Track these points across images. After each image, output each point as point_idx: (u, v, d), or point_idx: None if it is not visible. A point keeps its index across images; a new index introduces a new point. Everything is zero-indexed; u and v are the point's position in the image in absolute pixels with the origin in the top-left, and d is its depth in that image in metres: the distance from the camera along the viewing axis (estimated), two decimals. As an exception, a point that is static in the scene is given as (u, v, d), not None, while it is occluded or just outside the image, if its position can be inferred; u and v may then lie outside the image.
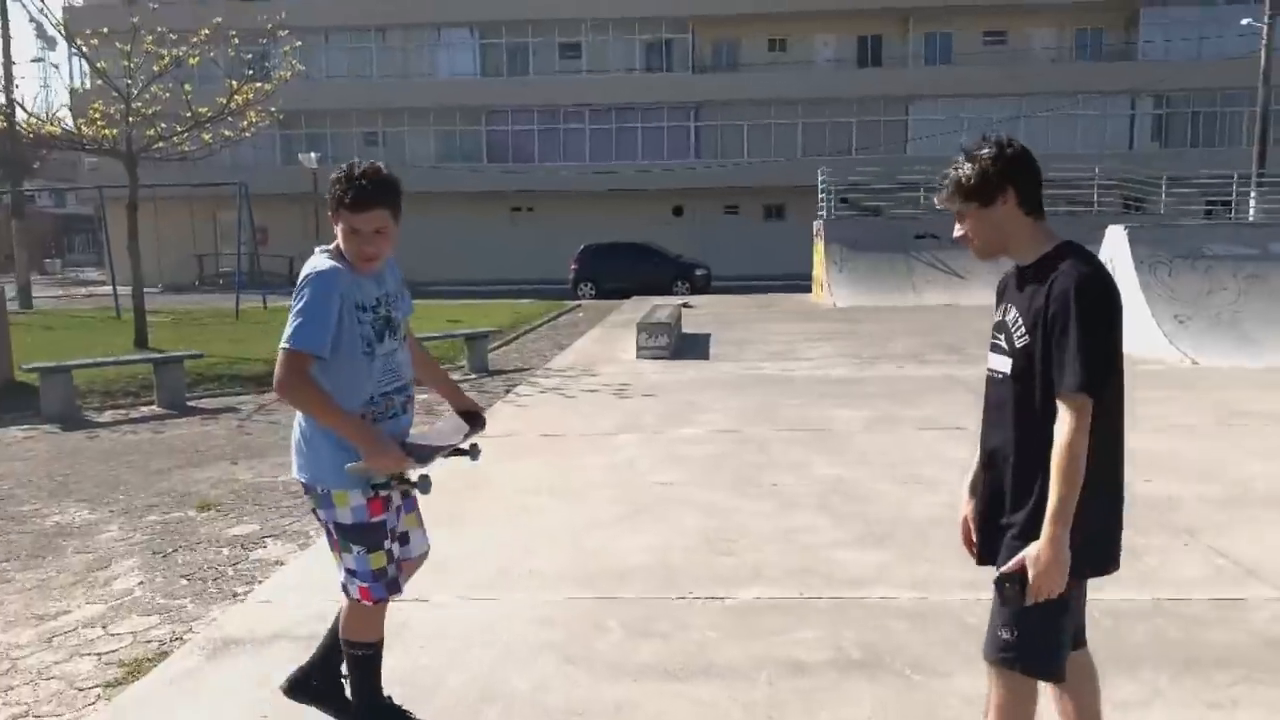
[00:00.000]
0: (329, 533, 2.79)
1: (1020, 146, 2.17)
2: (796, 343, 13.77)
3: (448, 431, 2.97)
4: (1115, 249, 12.27)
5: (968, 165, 2.16)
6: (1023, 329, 2.12)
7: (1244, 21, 25.97)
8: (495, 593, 4.29)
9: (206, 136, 14.35)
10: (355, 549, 2.73)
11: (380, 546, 2.75)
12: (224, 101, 13.46)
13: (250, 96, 13.55)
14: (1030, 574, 2.06)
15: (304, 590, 4.39)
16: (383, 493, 2.71)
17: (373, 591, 2.78)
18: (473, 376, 11.85)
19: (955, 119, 34.64)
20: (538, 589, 4.33)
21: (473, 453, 2.90)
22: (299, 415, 2.71)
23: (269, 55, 14.30)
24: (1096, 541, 2.11)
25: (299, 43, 14.43)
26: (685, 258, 29.15)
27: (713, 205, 36.04)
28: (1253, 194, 23.44)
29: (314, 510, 2.80)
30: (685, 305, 19.21)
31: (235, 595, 4.58)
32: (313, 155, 20.88)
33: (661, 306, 16.03)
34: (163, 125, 13.62)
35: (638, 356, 12.30)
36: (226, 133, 14.23)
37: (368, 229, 2.63)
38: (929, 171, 23.92)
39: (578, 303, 24.49)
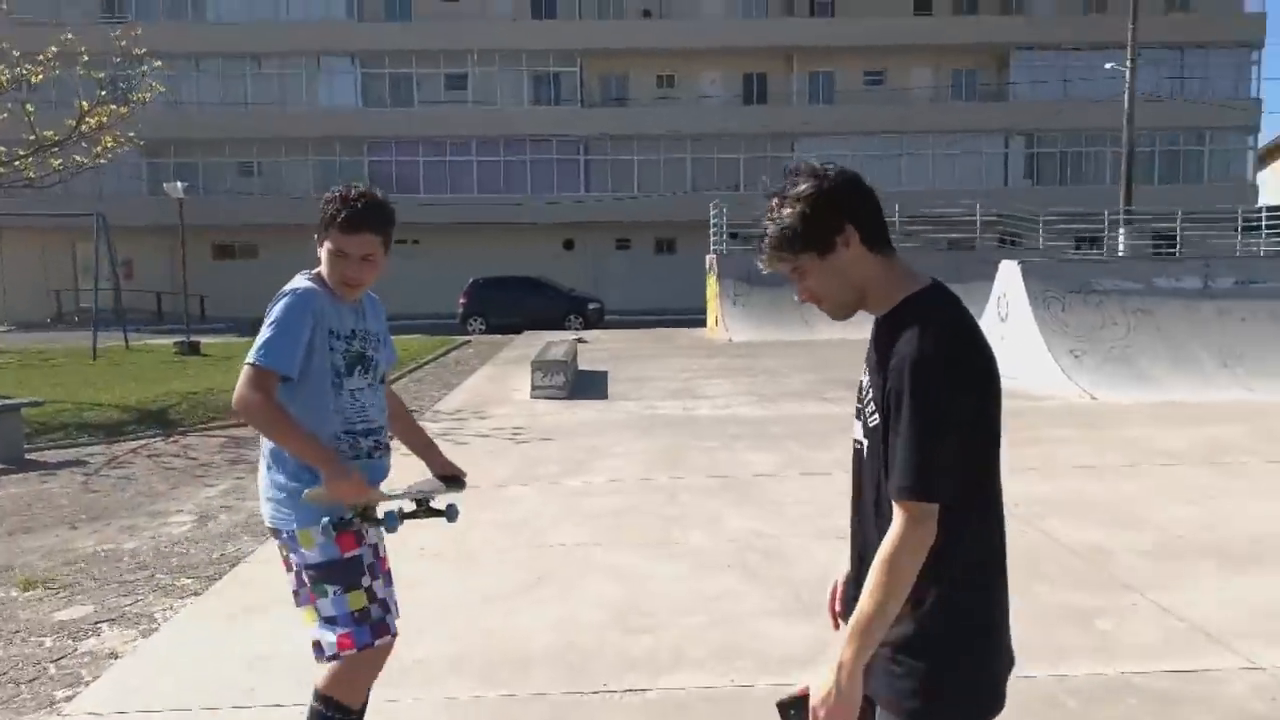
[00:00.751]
0: (301, 582, 2.57)
1: (842, 171, 1.72)
2: (696, 380, 13.39)
3: (422, 486, 2.73)
4: (1009, 284, 12.33)
5: (786, 210, 1.70)
6: (873, 405, 1.68)
7: (1107, 66, 27.23)
8: (373, 693, 3.63)
9: (55, 162, 13.14)
10: (330, 590, 2.52)
11: (358, 585, 2.53)
12: (73, 124, 12.31)
13: (105, 120, 12.43)
14: (812, 702, 1.62)
15: (145, 693, 3.63)
16: (348, 530, 2.50)
17: (355, 638, 2.53)
18: (354, 421, 11.02)
19: (839, 156, 35.27)
20: (425, 684, 3.68)
21: (449, 514, 2.68)
22: (263, 457, 2.55)
23: (128, 77, 13.09)
24: (970, 690, 1.64)
25: (158, 63, 13.35)
26: (577, 291, 28.67)
27: (604, 239, 35.74)
28: (1121, 230, 24.44)
29: (285, 559, 2.60)
30: (580, 340, 18.69)
31: (53, 703, 3.78)
32: (179, 184, 19.54)
33: (556, 342, 15.46)
34: (2, 150, 12.38)
35: (533, 396, 11.68)
36: (79, 159, 13.04)
37: (356, 253, 2.54)
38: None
39: (467, 338, 23.67)
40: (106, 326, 19.75)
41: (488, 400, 11.89)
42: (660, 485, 7.03)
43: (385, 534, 2.61)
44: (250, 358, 2.43)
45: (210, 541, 6.17)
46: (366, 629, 2.54)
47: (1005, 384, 1.71)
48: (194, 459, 8.99)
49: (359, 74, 36.00)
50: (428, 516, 2.65)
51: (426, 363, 17.75)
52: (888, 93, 36.53)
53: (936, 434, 1.54)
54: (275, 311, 2.48)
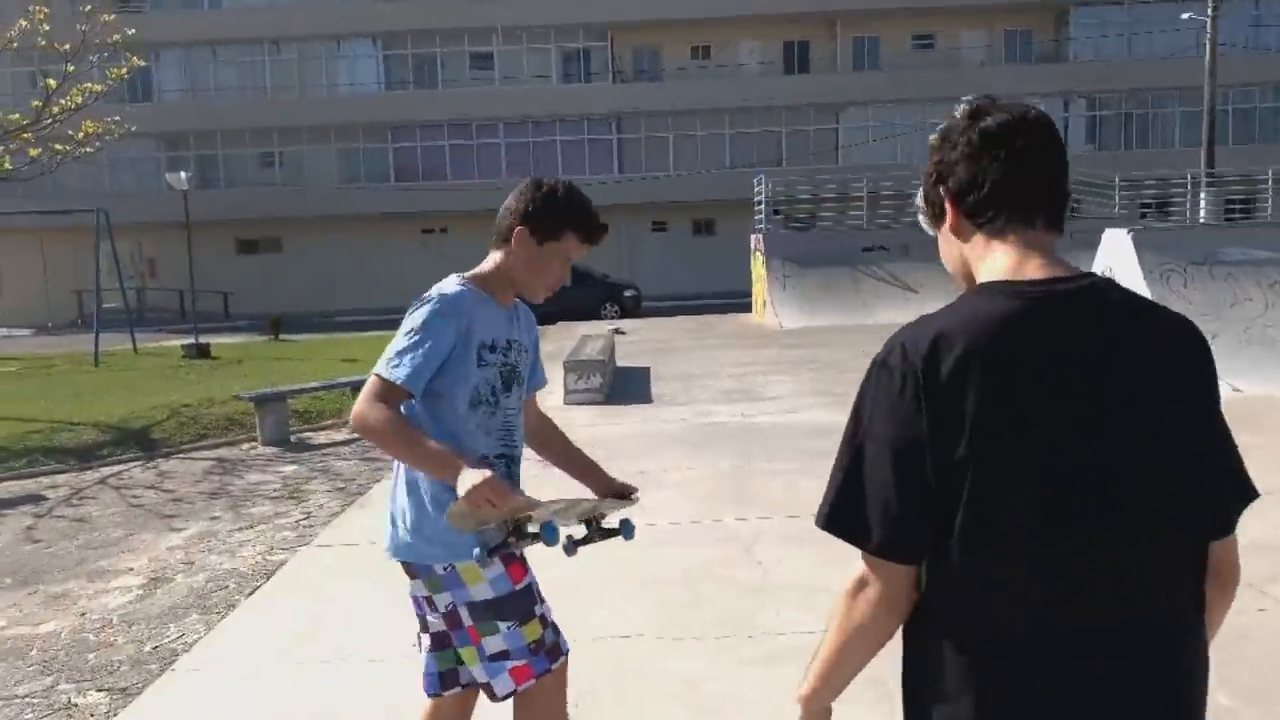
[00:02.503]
0: (456, 623, 2.26)
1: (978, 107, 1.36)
2: (751, 376, 11.80)
3: (579, 501, 2.34)
4: (1117, 256, 10.58)
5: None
6: None
7: (1184, 16, 25.07)
8: None
9: (34, 151, 11.83)
10: (505, 625, 2.25)
11: (532, 614, 2.29)
12: (39, 105, 10.93)
13: (80, 100, 11.04)
14: None
15: None
16: (503, 552, 2.19)
17: (534, 667, 2.28)
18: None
19: (887, 125, 33.38)
20: None
21: (625, 531, 2.41)
22: (398, 483, 2.29)
23: (106, 56, 11.61)
24: None
25: (131, 30, 11.89)
26: (612, 278, 27.07)
27: (639, 221, 34.07)
28: (1203, 194, 22.40)
29: (423, 599, 2.31)
30: (617, 332, 17.14)
31: None
32: (182, 175, 18.29)
33: (591, 336, 13.93)
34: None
35: (565, 402, 10.16)
36: (59, 146, 11.71)
37: (575, 258, 2.41)
38: (872, 180, 22.67)
39: (497, 331, 22.17)
40: (122, 327, 18.57)
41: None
42: (730, 531, 5.47)
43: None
44: (378, 368, 2.18)
45: (149, 623, 4.73)
46: (543, 656, 2.31)
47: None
48: (168, 491, 7.59)
49: (380, 56, 34.56)
50: (602, 538, 2.40)
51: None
52: (938, 56, 34.40)
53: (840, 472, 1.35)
54: (416, 318, 2.22)
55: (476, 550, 2.15)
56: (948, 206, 1.37)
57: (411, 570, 2.30)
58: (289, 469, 8.26)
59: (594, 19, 33.73)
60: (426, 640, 2.40)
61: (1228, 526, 1.30)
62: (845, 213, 24.07)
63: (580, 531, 2.37)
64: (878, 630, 1.31)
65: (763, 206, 21.09)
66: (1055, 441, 1.19)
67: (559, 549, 2.22)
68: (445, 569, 2.23)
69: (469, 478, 2.01)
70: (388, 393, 2.14)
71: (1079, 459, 1.19)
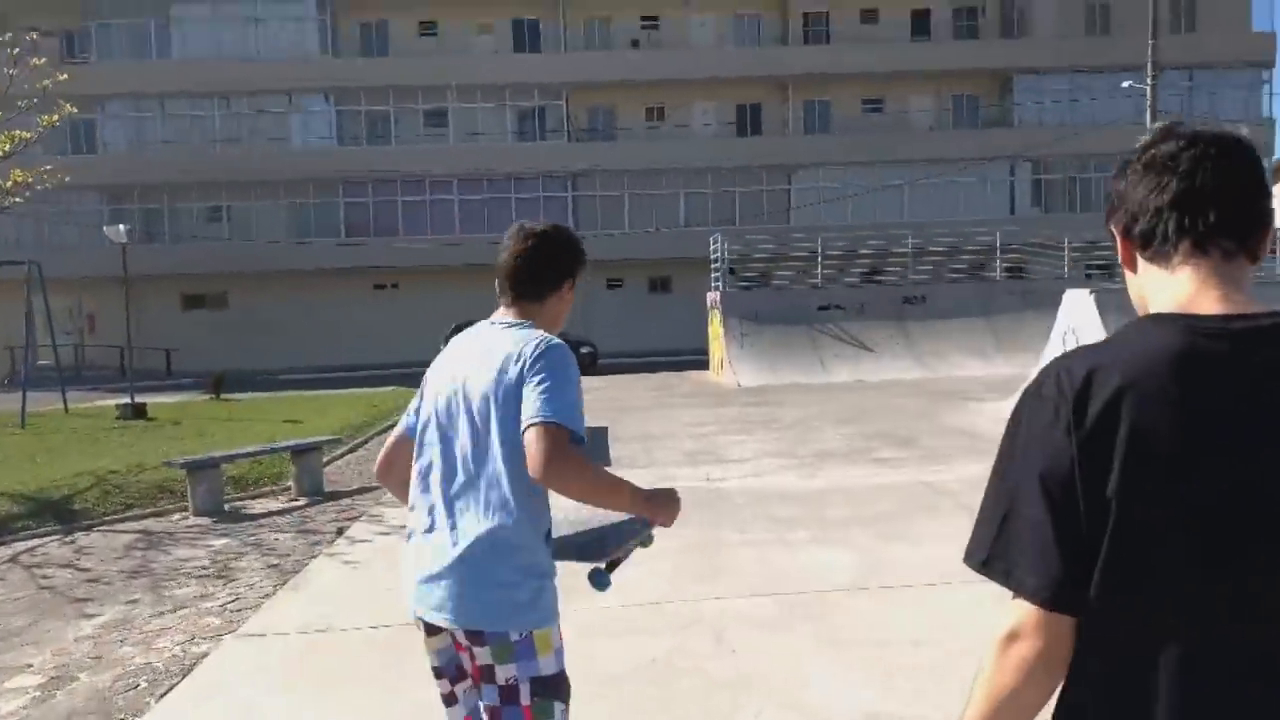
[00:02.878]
0: (511, 698, 2.10)
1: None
2: (713, 436, 11.45)
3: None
4: (1079, 316, 10.47)
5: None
6: None
7: (1124, 84, 25.73)
8: None
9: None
10: (559, 709, 2.14)
11: (569, 694, 2.20)
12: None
13: (7, 149, 10.49)
14: None
15: None
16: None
17: None
18: (301, 503, 9.00)
19: (840, 186, 33.73)
20: None
21: (599, 581, 2.25)
22: (473, 538, 2.10)
23: (36, 99, 11.03)
24: None
25: (64, 76, 11.37)
26: (569, 335, 26.73)
27: (595, 279, 33.85)
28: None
29: (477, 670, 2.13)
30: (572, 391, 16.72)
31: None
32: (121, 228, 17.65)
33: (546, 397, 13.48)
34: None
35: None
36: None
37: None
38: (828, 240, 22.75)
39: (449, 390, 21.60)
40: (52, 386, 17.72)
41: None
42: (698, 614, 5.04)
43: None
44: (544, 415, 2.04)
45: (42, 735, 4.15)
46: None
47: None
48: (84, 570, 6.95)
49: (333, 111, 34.25)
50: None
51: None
52: (887, 121, 35.00)
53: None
54: (553, 360, 2.13)
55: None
56: (1117, 238, 1.31)
57: (479, 637, 2.11)
58: (220, 542, 7.67)
59: (550, 79, 33.85)
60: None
61: None
62: (802, 272, 24.08)
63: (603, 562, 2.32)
64: (1035, 691, 1.18)
65: (720, 264, 20.97)
66: (1209, 482, 1.11)
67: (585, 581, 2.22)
68: (521, 635, 2.10)
69: (666, 497, 2.22)
70: (564, 437, 2.07)
71: (1233, 501, 1.11)
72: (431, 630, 2.20)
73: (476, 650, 2.12)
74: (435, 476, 2.20)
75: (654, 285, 34.86)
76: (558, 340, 2.21)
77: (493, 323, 2.31)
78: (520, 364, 2.13)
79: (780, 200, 34.38)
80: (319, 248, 33.15)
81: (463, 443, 2.17)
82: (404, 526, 2.31)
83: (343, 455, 11.98)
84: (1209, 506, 1.10)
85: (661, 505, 2.21)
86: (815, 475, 8.71)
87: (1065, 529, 1.14)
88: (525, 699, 2.10)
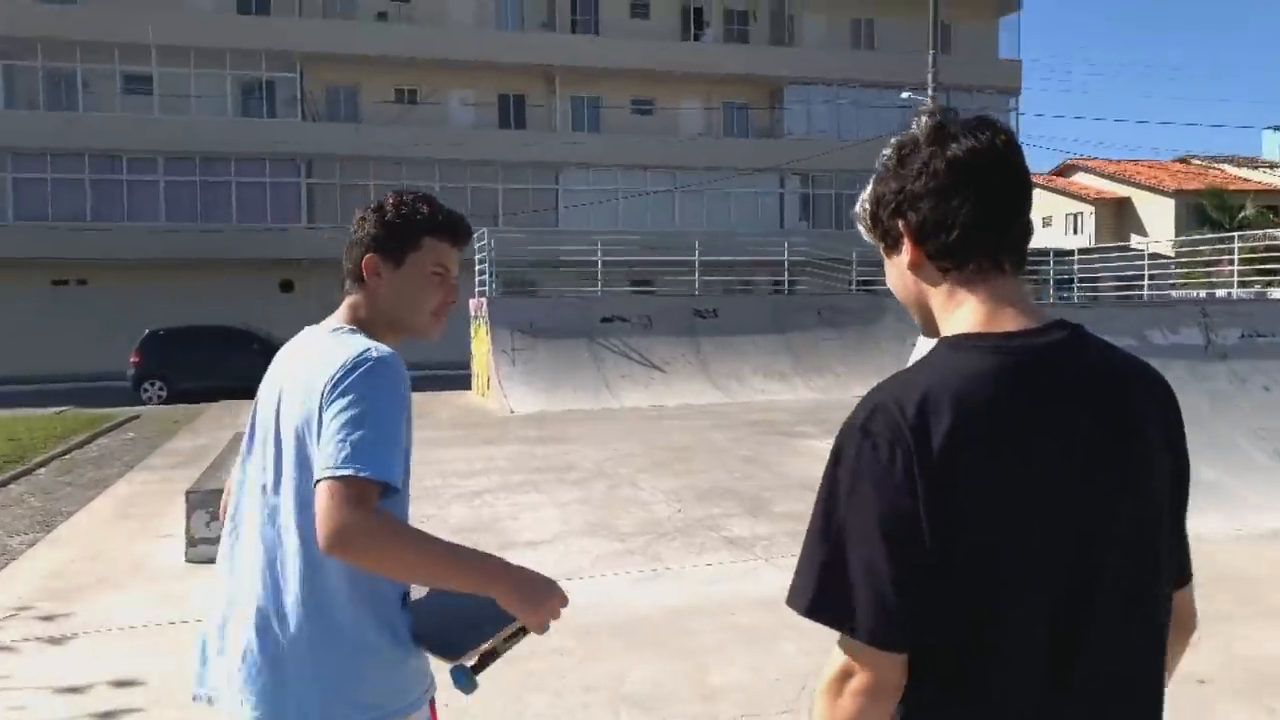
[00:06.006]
0: None
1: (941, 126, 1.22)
2: (491, 492, 8.34)
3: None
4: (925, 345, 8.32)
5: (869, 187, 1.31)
6: None
7: (904, 95, 25.19)
8: None
9: None
10: None
11: None
12: None
13: None
14: None
15: None
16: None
17: None
18: None
19: (608, 190, 31.46)
20: None
21: (462, 681, 1.77)
22: (291, 640, 1.66)
23: None
24: None
25: None
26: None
27: (332, 279, 28.98)
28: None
29: None
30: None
31: None
32: None
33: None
34: None
35: (188, 560, 6.19)
36: None
37: (454, 270, 1.89)
38: (607, 246, 20.26)
39: (137, 411, 17.01)
40: None
41: (101, 569, 6.21)
42: None
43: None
44: (343, 468, 1.53)
45: None
46: None
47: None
48: None
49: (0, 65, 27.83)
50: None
51: (46, 460, 11.38)
52: (658, 123, 33.16)
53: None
54: (364, 389, 1.61)
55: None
56: (907, 243, 1.24)
57: None
58: None
59: (282, 46, 29.19)
60: None
61: (1188, 575, 1.29)
62: (579, 278, 21.39)
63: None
64: None
65: (487, 266, 17.84)
66: (1058, 508, 1.13)
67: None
68: None
69: (544, 586, 1.62)
70: (371, 495, 1.55)
71: (1082, 523, 1.13)
72: None
73: None
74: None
75: (403, 289, 31.04)
76: (374, 351, 1.68)
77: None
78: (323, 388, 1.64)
79: (547, 199, 31.62)
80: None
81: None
82: None
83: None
84: (1053, 535, 1.12)
85: (530, 595, 1.59)
86: (656, 574, 5.85)
87: (903, 569, 1.11)
88: None
